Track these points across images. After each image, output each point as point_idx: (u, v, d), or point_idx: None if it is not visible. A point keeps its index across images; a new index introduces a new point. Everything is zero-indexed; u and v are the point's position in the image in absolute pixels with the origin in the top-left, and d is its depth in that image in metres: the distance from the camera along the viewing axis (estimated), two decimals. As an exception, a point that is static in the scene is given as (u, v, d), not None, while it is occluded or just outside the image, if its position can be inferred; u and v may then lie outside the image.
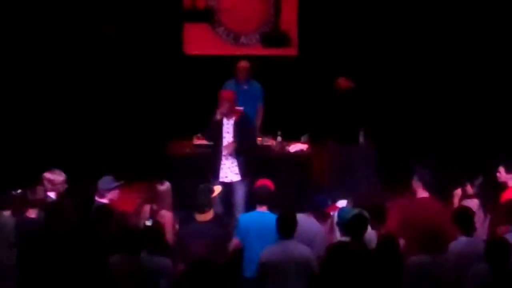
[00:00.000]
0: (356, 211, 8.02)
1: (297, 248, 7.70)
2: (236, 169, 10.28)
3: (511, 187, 8.93)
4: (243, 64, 11.41)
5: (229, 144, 10.21)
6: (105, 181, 8.66)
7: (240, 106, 10.63)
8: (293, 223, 7.78)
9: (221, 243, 8.14)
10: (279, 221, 7.78)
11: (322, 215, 8.46)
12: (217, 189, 8.73)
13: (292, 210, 8.04)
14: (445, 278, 7.40)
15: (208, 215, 8.22)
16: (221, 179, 10.22)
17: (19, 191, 8.45)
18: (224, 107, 10.19)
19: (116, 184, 8.74)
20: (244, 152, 10.28)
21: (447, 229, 7.93)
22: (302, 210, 8.41)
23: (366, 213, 7.95)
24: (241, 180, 10.27)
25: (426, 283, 7.38)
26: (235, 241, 8.37)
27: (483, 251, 7.28)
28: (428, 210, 8.50)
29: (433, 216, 8.38)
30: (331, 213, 8.81)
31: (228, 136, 10.27)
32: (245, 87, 11.37)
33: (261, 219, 8.44)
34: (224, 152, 10.22)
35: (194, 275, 6.98)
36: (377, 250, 7.76)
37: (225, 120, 10.28)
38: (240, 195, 10.29)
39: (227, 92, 10.49)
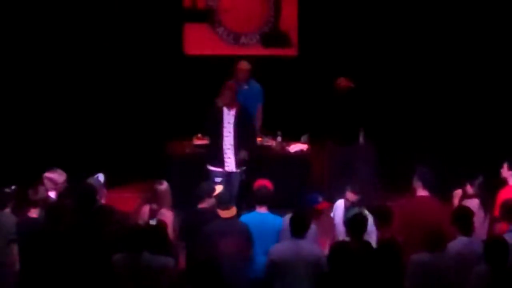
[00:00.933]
0: (356, 210, 8.07)
1: (308, 247, 7.72)
2: (234, 157, 10.43)
3: (510, 185, 8.95)
4: (244, 66, 11.37)
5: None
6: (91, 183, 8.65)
7: None
8: (306, 222, 7.81)
9: (248, 237, 8.19)
10: (291, 220, 7.80)
11: (314, 213, 8.45)
12: (218, 188, 8.76)
13: (305, 210, 8.08)
14: (446, 276, 7.43)
15: (233, 211, 8.26)
16: (226, 168, 10.40)
17: (13, 187, 8.47)
18: (226, 96, 10.31)
19: (101, 181, 8.75)
20: (245, 145, 10.43)
21: (445, 228, 7.96)
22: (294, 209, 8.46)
23: (365, 212, 7.98)
24: (239, 172, 10.46)
25: (428, 281, 7.41)
26: None
27: (482, 251, 7.29)
28: (426, 209, 8.53)
29: (431, 214, 8.41)
30: (332, 215, 8.82)
31: (228, 126, 10.38)
32: (245, 87, 11.37)
33: (261, 219, 8.45)
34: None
35: (197, 275, 7.00)
36: (378, 252, 7.78)
37: (225, 110, 10.40)
38: (236, 186, 10.43)
39: (229, 83, 10.65)
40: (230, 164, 10.45)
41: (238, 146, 10.40)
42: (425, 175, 8.76)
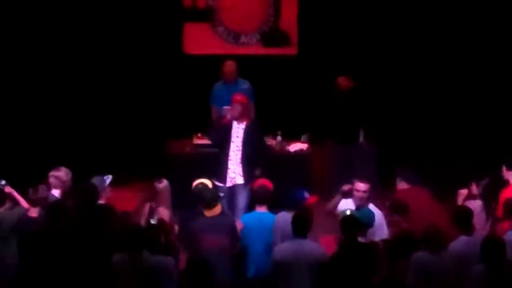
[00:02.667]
0: (346, 212, 8.11)
1: (311, 247, 7.73)
2: (241, 171, 10.14)
3: (511, 185, 8.97)
4: (228, 69, 11.25)
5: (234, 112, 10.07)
6: (95, 182, 8.64)
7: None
8: (308, 222, 7.82)
9: (234, 232, 8.24)
10: (293, 220, 7.81)
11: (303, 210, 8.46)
12: (209, 182, 8.76)
13: (306, 209, 8.08)
14: (447, 276, 7.46)
15: (217, 210, 8.28)
16: (228, 184, 10.11)
17: (3, 182, 8.47)
18: (235, 111, 10.11)
19: (106, 182, 8.75)
20: (257, 160, 10.15)
21: (436, 217, 8.03)
22: (284, 207, 8.48)
23: (356, 214, 8.03)
24: (244, 184, 10.11)
25: (430, 279, 7.44)
26: (239, 224, 8.42)
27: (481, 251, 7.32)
28: (414, 200, 8.64)
29: (420, 204, 8.59)
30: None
31: (237, 140, 10.15)
32: (234, 86, 11.25)
33: (261, 219, 8.47)
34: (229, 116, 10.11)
35: (195, 274, 7.00)
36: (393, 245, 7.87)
37: (235, 124, 10.17)
38: (242, 199, 10.10)
39: (239, 95, 10.33)
40: (236, 179, 10.14)
41: (246, 161, 10.10)
42: (407, 175, 8.88)
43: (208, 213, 8.26)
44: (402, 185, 8.93)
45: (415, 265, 7.48)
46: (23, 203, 8.48)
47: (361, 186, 8.70)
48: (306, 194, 8.68)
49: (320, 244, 8.00)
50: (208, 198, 8.32)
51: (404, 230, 8.05)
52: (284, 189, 9.70)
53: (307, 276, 7.61)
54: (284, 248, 7.76)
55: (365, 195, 8.70)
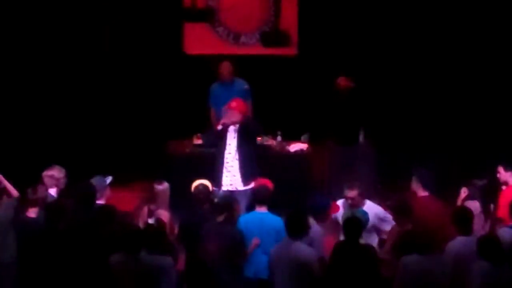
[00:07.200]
0: (350, 213, 8.10)
1: (300, 249, 7.68)
2: (240, 175, 9.97)
3: (511, 185, 8.96)
4: (224, 70, 11.19)
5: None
6: (95, 182, 8.63)
7: None
8: (301, 223, 7.76)
9: (239, 244, 8.10)
10: (286, 222, 7.80)
11: (321, 216, 8.43)
12: (208, 184, 8.74)
13: (301, 211, 8.04)
14: (438, 279, 7.43)
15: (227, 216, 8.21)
16: (225, 187, 9.96)
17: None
18: (228, 119, 9.95)
19: (106, 183, 8.75)
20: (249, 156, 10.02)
21: (447, 228, 7.98)
22: (283, 208, 8.46)
23: (359, 215, 8.01)
24: (245, 190, 9.89)
25: (418, 283, 7.40)
26: (255, 241, 8.29)
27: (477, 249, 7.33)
28: (428, 209, 8.53)
29: (433, 215, 8.43)
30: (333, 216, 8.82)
31: (233, 142, 10.01)
32: (231, 86, 11.21)
33: (260, 219, 8.45)
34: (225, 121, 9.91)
35: (194, 275, 7.00)
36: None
37: (230, 127, 10.02)
38: (243, 206, 9.64)
39: (234, 102, 10.06)
40: (234, 182, 9.98)
41: (245, 161, 9.91)
42: (424, 177, 8.79)
43: (218, 219, 8.19)
44: (417, 186, 8.85)
45: (403, 270, 7.42)
46: (12, 190, 8.44)
47: (349, 193, 8.65)
48: (330, 202, 8.61)
49: (317, 247, 7.92)
50: (220, 205, 8.24)
51: (409, 231, 8.02)
52: (297, 191, 9.66)
53: (290, 277, 7.57)
54: (276, 248, 7.79)
55: (355, 201, 8.66)
